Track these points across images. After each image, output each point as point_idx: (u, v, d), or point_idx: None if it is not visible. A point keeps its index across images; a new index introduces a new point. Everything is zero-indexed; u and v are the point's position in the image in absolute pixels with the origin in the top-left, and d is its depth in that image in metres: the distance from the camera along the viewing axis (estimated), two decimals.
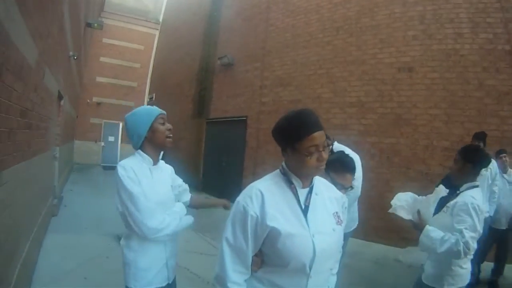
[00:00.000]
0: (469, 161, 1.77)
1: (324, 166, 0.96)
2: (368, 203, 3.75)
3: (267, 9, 6.77)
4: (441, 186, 2.00)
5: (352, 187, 1.60)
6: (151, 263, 1.36)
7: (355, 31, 5.19)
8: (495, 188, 3.53)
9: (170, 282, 1.45)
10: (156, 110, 1.43)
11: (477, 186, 1.77)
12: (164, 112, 1.45)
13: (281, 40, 6.30)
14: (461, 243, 1.54)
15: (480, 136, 3.65)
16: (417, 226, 1.77)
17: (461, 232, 1.57)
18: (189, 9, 10.26)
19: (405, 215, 1.85)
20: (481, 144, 3.66)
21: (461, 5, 4.54)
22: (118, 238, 3.19)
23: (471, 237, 1.56)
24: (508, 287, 3.51)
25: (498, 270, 3.59)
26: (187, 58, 9.60)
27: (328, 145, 0.99)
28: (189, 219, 1.46)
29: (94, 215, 4.95)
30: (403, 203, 1.90)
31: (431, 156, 4.32)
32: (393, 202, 1.93)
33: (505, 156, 3.71)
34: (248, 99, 6.79)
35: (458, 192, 1.78)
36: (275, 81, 6.26)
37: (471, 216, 1.60)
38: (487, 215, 3.47)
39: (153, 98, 12.09)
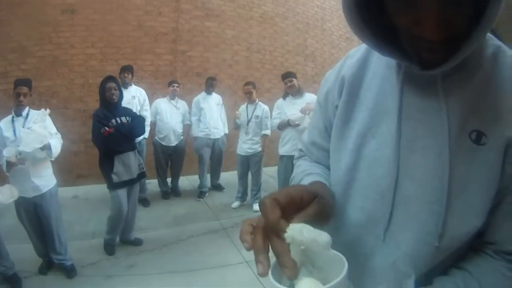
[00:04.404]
0: None
1: None
2: None
3: None
4: None
5: None
6: None
7: None
8: (146, 113, 3.72)
9: None
10: None
11: None
12: None
13: None
14: None
15: (127, 68, 3.76)
16: None
17: None
18: None
19: None
20: (129, 76, 3.74)
21: None
22: None
23: None
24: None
25: None
26: None
27: None
28: None
29: None
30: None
31: (87, 94, 4.22)
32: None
33: (174, 86, 3.89)
34: None
35: None
36: None
37: None
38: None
39: None
